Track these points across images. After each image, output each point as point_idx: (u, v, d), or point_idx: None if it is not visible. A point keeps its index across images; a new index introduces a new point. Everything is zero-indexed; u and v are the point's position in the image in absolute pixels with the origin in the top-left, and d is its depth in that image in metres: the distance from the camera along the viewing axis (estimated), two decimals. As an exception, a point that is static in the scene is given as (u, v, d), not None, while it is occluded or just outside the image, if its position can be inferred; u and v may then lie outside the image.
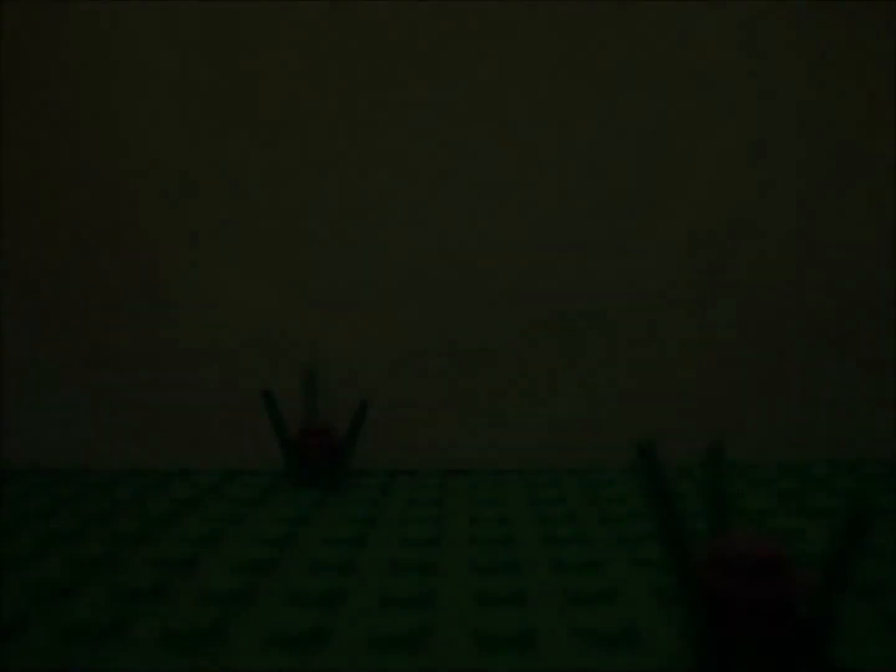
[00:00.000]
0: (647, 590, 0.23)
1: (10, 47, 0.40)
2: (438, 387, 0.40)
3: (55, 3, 0.39)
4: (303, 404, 0.38)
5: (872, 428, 0.39)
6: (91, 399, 0.40)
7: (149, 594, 0.23)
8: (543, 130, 0.39)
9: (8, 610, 0.21)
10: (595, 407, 0.40)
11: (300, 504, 0.32)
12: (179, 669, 0.19)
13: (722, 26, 0.39)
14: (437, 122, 0.39)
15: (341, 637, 0.21)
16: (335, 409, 0.37)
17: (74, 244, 0.40)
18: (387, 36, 0.39)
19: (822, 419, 0.40)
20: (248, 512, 0.32)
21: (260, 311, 0.40)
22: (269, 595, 0.23)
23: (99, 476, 0.37)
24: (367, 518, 0.31)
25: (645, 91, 0.39)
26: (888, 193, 0.40)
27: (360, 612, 0.22)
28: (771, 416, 0.40)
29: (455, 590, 0.23)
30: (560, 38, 0.39)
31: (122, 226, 0.40)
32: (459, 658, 0.19)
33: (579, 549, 0.26)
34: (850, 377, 0.40)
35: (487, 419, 0.39)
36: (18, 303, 0.40)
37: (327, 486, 0.35)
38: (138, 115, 0.40)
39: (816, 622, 0.17)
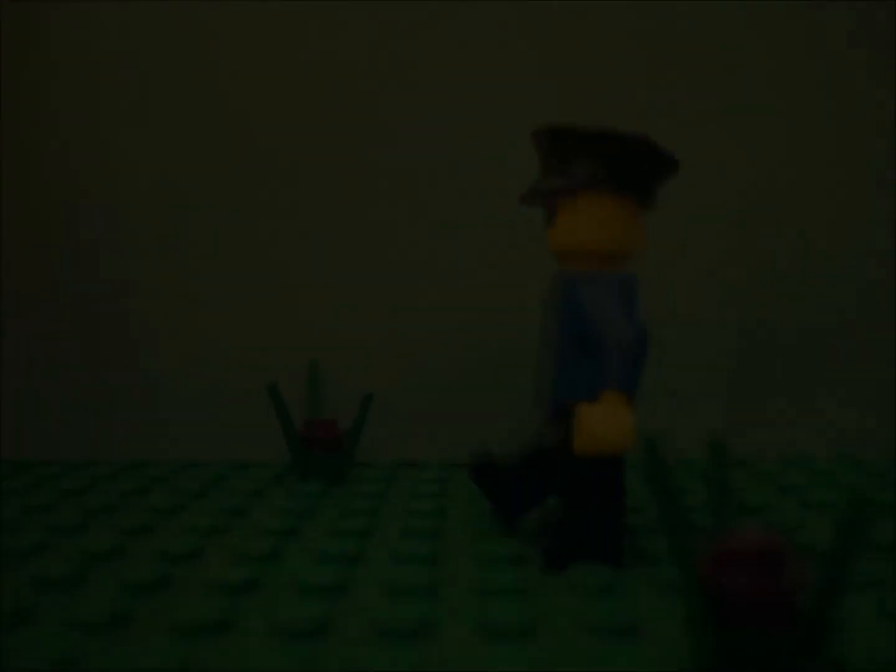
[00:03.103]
0: (651, 583, 0.23)
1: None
2: (442, 379, 0.40)
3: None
4: (307, 397, 0.38)
5: (875, 422, 0.39)
6: (96, 391, 0.40)
7: (155, 586, 0.23)
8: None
9: (14, 602, 0.21)
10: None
11: (305, 496, 0.33)
12: (186, 660, 0.19)
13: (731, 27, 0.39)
14: (436, 124, 0.39)
15: (346, 627, 0.21)
16: (341, 402, 0.37)
17: (79, 242, 0.40)
18: (396, 45, 0.39)
19: (826, 413, 0.40)
20: (252, 504, 0.32)
21: (265, 304, 0.40)
22: (275, 586, 0.23)
23: (104, 468, 0.38)
24: (371, 510, 0.31)
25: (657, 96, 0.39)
26: (888, 195, 0.40)
27: (365, 602, 0.22)
28: (774, 410, 0.40)
29: (458, 581, 0.24)
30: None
31: (127, 221, 0.40)
32: (463, 649, 0.20)
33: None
34: (853, 371, 0.40)
35: (491, 411, 0.39)
36: (22, 292, 0.40)
37: (332, 479, 0.35)
38: (145, 116, 0.40)
39: (818, 617, 0.17)
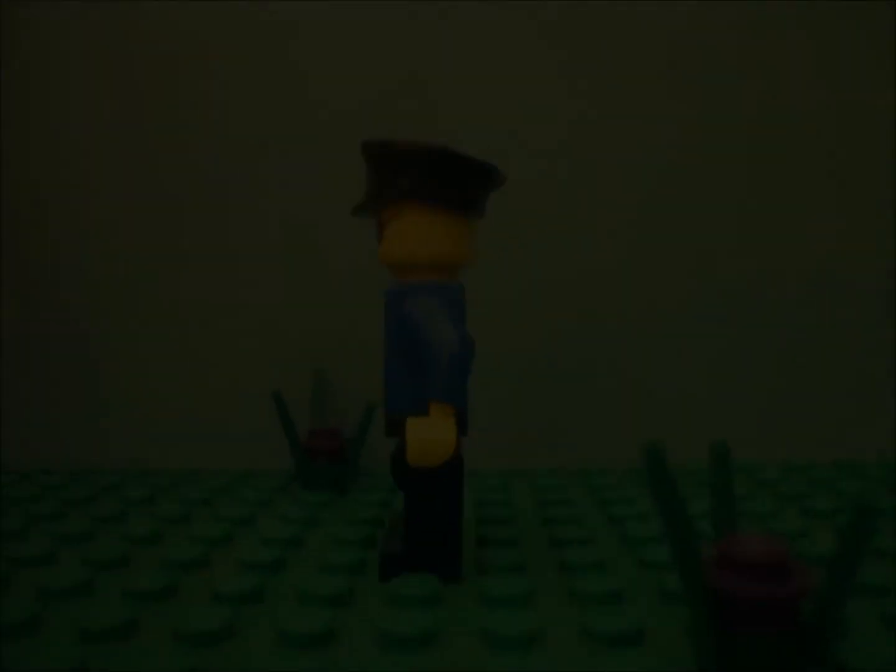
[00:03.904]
0: (654, 591, 0.24)
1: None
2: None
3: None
4: (312, 406, 0.38)
5: (876, 428, 0.39)
6: (101, 400, 0.41)
7: (160, 595, 0.23)
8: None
9: (21, 611, 0.21)
10: (601, 407, 0.40)
11: (309, 505, 0.33)
12: (191, 669, 0.19)
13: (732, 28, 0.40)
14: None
15: (350, 636, 0.21)
16: (344, 403, 0.37)
17: (85, 245, 0.40)
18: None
19: (826, 420, 0.40)
20: (257, 513, 0.32)
21: (270, 312, 0.40)
22: (279, 595, 0.24)
23: (109, 477, 0.38)
24: (375, 519, 0.31)
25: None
26: (889, 197, 0.40)
27: (369, 612, 0.22)
28: (775, 416, 0.40)
29: (462, 590, 0.24)
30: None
31: (130, 227, 0.40)
32: (467, 657, 0.20)
33: (586, 551, 0.26)
34: (854, 377, 0.40)
35: (493, 419, 0.39)
36: (22, 299, 0.40)
37: (335, 488, 0.35)
38: (139, 117, 0.40)
39: (821, 622, 0.17)
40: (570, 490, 0.35)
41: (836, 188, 0.40)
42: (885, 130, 0.40)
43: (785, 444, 0.40)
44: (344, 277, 0.40)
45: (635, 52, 0.40)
